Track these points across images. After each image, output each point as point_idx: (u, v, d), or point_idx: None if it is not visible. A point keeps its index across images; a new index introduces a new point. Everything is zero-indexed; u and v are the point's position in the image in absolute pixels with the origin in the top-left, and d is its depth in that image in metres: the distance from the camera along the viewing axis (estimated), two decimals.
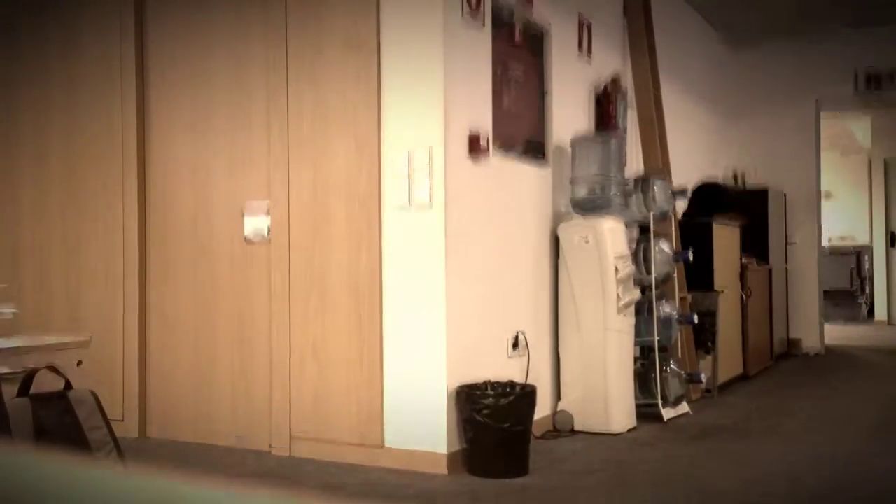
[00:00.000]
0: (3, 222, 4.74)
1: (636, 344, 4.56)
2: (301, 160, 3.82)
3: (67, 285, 4.50)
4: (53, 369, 2.39)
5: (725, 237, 5.79)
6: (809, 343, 7.80)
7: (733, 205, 6.22)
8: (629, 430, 4.25)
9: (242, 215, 4.01)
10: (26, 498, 0.35)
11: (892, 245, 12.27)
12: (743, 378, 5.99)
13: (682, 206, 5.92)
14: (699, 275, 5.37)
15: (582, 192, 4.46)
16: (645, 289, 4.62)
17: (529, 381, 3.87)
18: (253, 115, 4.02)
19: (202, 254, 4.14)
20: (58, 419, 2.33)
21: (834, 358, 7.57)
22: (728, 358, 5.66)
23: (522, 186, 4.19)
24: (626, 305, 4.27)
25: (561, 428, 4.26)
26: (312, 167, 3.78)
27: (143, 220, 4.31)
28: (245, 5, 4.05)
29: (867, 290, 11.87)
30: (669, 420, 4.49)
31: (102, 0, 4.44)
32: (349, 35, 3.70)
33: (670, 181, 5.05)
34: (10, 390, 2.34)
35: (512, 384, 3.61)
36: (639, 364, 4.65)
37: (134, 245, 4.29)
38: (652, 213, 4.62)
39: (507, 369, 3.90)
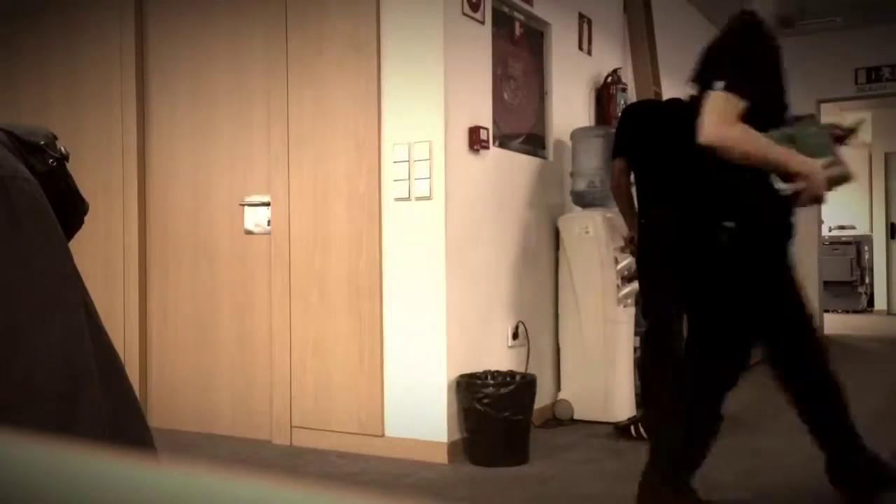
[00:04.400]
0: None
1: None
2: (301, 157, 3.83)
3: None
4: None
5: None
6: None
7: None
8: (629, 419, 4.25)
9: (242, 207, 4.02)
10: (25, 487, 0.35)
11: (892, 236, 12.28)
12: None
13: None
14: None
15: (582, 184, 4.46)
16: None
17: (530, 371, 3.88)
18: (253, 114, 4.02)
19: (203, 249, 4.15)
20: None
21: (834, 347, 7.54)
22: None
23: (523, 179, 4.19)
24: (626, 296, 4.27)
25: (561, 417, 4.27)
26: (312, 164, 3.79)
27: (142, 217, 4.32)
28: (245, 5, 4.04)
29: (867, 281, 11.88)
30: None
31: (103, 1, 4.44)
32: (349, 34, 3.70)
33: None
34: None
35: (512, 374, 3.62)
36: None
37: (134, 241, 4.30)
38: None
39: (507, 359, 3.92)
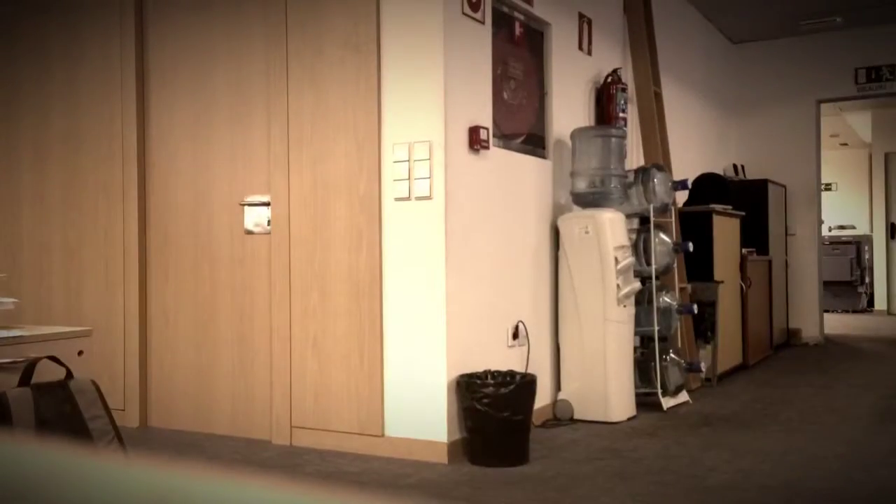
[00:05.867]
0: (4, 222, 4.75)
1: (636, 334, 4.57)
2: (301, 157, 3.83)
3: (68, 280, 4.51)
4: (54, 359, 2.39)
5: (726, 228, 5.79)
6: (809, 333, 7.81)
7: (734, 196, 6.22)
8: (629, 419, 4.26)
9: (242, 206, 4.02)
10: (27, 487, 0.36)
11: (892, 236, 12.29)
12: (742, 367, 6.01)
13: (682, 197, 5.92)
14: (699, 265, 5.38)
15: (582, 184, 4.46)
16: (645, 279, 4.63)
17: (529, 371, 3.89)
18: (253, 114, 4.02)
19: (203, 249, 4.15)
20: (59, 408, 2.33)
21: (833, 347, 7.58)
22: (728, 347, 5.68)
23: (523, 179, 4.19)
24: (626, 296, 4.28)
25: (561, 417, 4.28)
26: (312, 164, 3.79)
27: (142, 217, 4.32)
28: (245, 5, 4.04)
29: (867, 281, 11.89)
30: (669, 409, 4.51)
31: (103, 1, 4.44)
32: (349, 34, 3.70)
33: (670, 173, 5.06)
34: (11, 380, 2.35)
35: (512, 373, 3.62)
36: (639, 353, 4.66)
37: (134, 242, 4.30)
38: (652, 205, 4.63)
39: (507, 359, 3.92)
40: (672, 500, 2.94)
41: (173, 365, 4.23)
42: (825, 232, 11.37)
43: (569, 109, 4.69)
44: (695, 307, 4.89)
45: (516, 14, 4.18)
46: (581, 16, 4.83)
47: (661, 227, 4.80)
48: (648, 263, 4.65)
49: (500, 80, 4.02)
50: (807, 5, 7.01)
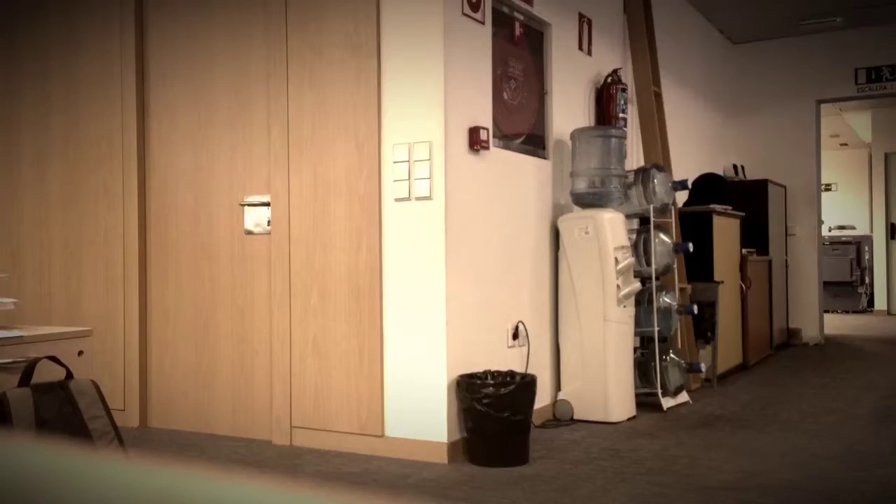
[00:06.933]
0: (4, 222, 4.75)
1: (636, 334, 4.57)
2: (301, 157, 3.82)
3: (68, 280, 4.51)
4: (55, 359, 2.39)
5: (725, 228, 5.79)
6: (809, 333, 7.81)
7: (733, 196, 6.23)
8: (629, 420, 4.26)
9: (242, 207, 4.02)
10: (26, 488, 0.36)
11: (892, 236, 12.30)
12: (742, 368, 6.01)
13: (682, 197, 5.93)
14: (699, 266, 5.38)
15: (582, 184, 4.46)
16: (645, 280, 4.63)
17: (529, 371, 3.89)
18: (253, 114, 4.02)
19: (203, 249, 4.15)
20: (59, 409, 2.34)
21: (833, 348, 7.58)
22: (728, 348, 5.68)
23: (523, 179, 4.19)
24: (626, 296, 4.27)
25: (561, 417, 4.27)
26: (313, 164, 3.79)
27: (143, 218, 4.32)
28: (245, 5, 4.04)
29: (867, 281, 11.89)
30: (669, 409, 4.51)
31: (103, 1, 4.44)
32: (349, 34, 3.70)
33: (670, 173, 5.06)
34: (12, 380, 2.35)
35: (512, 374, 3.62)
36: (639, 354, 4.66)
37: (134, 242, 4.30)
38: (652, 206, 4.63)
39: (507, 359, 3.92)
40: (672, 501, 2.94)
41: (173, 365, 4.23)
42: (825, 232, 11.38)
43: (569, 110, 4.69)
44: (695, 307, 4.89)
45: (516, 14, 4.18)
46: (581, 16, 4.83)
47: (660, 227, 4.80)
48: (648, 264, 4.65)
49: (500, 81, 4.02)
50: (807, 5, 7.01)
